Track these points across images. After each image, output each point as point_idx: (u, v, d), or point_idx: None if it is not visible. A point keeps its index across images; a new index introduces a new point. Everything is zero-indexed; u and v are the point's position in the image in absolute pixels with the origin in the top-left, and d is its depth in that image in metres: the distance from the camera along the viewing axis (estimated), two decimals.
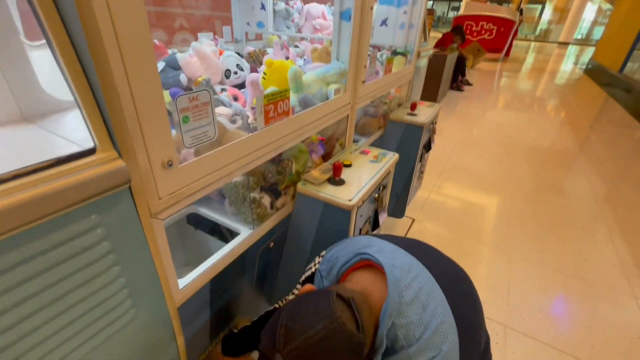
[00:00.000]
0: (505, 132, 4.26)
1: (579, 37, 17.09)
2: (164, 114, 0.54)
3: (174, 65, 1.25)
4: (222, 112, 1.02)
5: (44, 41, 0.45)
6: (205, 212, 1.07)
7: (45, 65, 0.66)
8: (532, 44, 16.92)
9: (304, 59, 1.71)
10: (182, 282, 0.76)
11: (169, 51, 1.33)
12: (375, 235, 0.80)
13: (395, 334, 0.58)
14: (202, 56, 1.28)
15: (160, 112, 0.53)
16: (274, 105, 0.84)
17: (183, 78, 1.22)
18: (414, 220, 2.32)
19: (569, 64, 11.10)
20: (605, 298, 1.77)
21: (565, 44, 16.66)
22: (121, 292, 0.58)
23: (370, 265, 0.68)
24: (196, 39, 1.54)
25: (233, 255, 0.90)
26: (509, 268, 1.90)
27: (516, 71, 9.03)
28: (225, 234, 1.05)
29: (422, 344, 0.57)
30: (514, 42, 10.68)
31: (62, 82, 0.47)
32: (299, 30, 2.08)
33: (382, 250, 0.69)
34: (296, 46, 1.96)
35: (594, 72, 8.84)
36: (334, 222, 1.03)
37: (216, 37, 1.72)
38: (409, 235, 2.17)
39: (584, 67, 9.98)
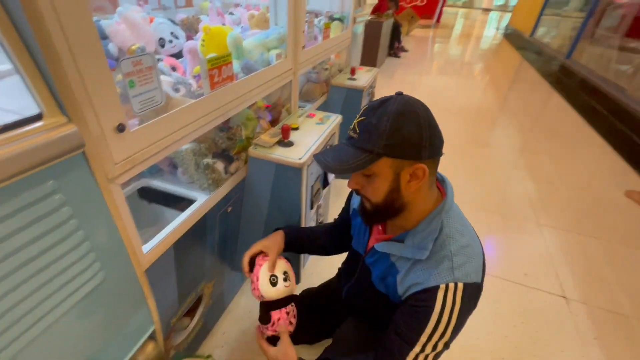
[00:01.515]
0: (439, 95, 4.61)
1: (500, 3, 18.44)
2: (109, 77, 0.55)
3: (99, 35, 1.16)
4: (164, 81, 1.00)
5: None
6: (158, 184, 1.07)
7: None
8: (459, 10, 17.89)
9: (241, 27, 1.68)
10: (146, 247, 0.79)
11: None
12: None
13: (441, 228, 0.67)
14: (132, 23, 1.20)
15: (104, 75, 0.54)
16: (218, 70, 0.86)
17: (112, 48, 1.15)
18: None
19: (492, 29, 12.03)
20: (518, 227, 2.15)
21: (487, 10, 17.90)
22: (87, 255, 0.60)
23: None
24: (115, 5, 1.42)
25: (192, 220, 0.94)
26: None
27: (447, 37, 9.57)
28: (181, 204, 1.07)
29: (460, 248, 0.66)
30: (444, 9, 11.22)
31: None
32: None
33: None
34: (231, 13, 1.89)
35: (512, 37, 9.74)
36: (287, 180, 1.11)
37: (140, 3, 1.60)
38: None
39: (503, 32, 10.92)
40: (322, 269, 1.68)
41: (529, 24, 8.87)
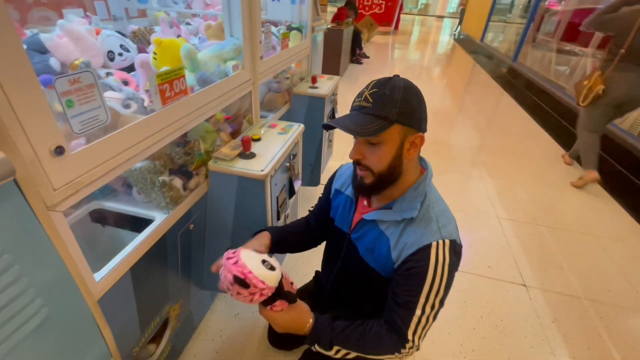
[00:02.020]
0: None
1: (452, 10, 19.59)
2: (41, 97, 0.51)
3: (39, 49, 1.09)
4: (112, 97, 0.95)
5: None
6: (112, 205, 1.01)
7: None
8: (416, 17, 18.79)
9: (199, 37, 1.65)
10: (98, 275, 0.73)
11: (27, 32, 1.14)
12: None
13: (425, 194, 0.77)
14: (75, 36, 1.14)
15: (35, 95, 0.50)
16: (170, 85, 0.83)
17: (54, 62, 1.08)
18: None
19: (446, 35, 12.73)
20: (479, 222, 2.26)
21: (441, 17, 18.95)
22: (26, 292, 0.55)
23: None
24: (60, 16, 1.34)
25: (150, 241, 0.89)
26: None
27: (406, 43, 9.99)
28: (138, 224, 1.01)
29: (441, 211, 0.76)
30: (401, 16, 11.73)
31: None
32: (188, 6, 1.96)
33: None
34: (188, 23, 1.85)
35: (464, 42, 10.36)
36: (251, 193, 1.09)
37: (88, 14, 1.53)
38: None
39: (456, 37, 11.60)
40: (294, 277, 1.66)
41: (479, 29, 9.49)
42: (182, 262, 1.10)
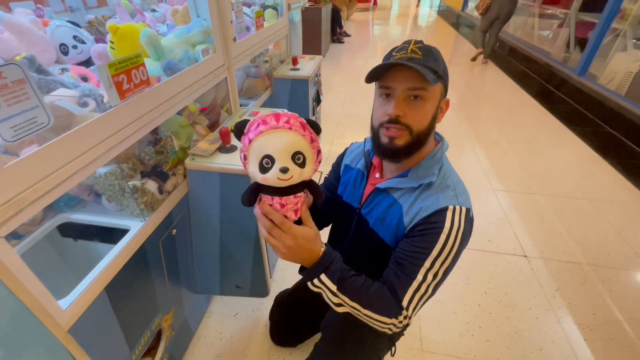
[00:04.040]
0: None
1: None
2: None
3: None
4: (65, 95, 0.83)
5: None
6: (82, 217, 0.91)
7: None
8: None
9: (167, 24, 1.51)
10: (64, 302, 0.64)
11: None
12: None
13: (442, 162, 0.75)
14: (18, 29, 1.00)
15: None
16: (127, 75, 0.72)
17: None
18: (322, 172, 2.43)
19: (426, 7, 12.45)
20: (475, 195, 2.22)
21: None
22: None
23: None
24: (9, 11, 1.20)
25: (127, 254, 0.80)
26: None
27: (386, 19, 9.73)
28: (114, 235, 0.92)
29: (457, 181, 0.73)
30: None
31: None
32: None
33: None
34: (153, 10, 1.69)
35: (445, 13, 10.16)
36: (236, 190, 0.99)
37: (39, 6, 1.37)
38: None
39: (437, 9, 11.36)
40: (291, 274, 1.60)
41: None
42: (168, 271, 1.02)
